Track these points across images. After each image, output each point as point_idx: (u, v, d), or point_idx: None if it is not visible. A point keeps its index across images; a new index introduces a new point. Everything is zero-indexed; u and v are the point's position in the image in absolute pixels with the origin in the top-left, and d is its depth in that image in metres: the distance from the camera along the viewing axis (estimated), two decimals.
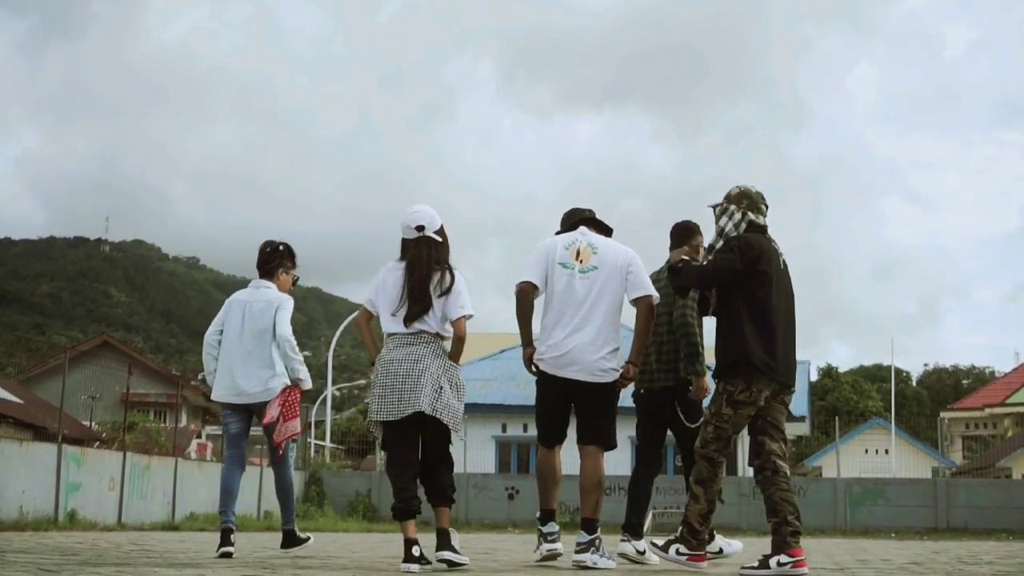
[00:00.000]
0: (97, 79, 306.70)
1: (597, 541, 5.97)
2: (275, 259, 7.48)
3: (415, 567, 5.47)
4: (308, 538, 7.45)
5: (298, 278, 7.62)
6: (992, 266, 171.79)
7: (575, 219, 6.42)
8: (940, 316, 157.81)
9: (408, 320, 5.79)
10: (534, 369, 6.16)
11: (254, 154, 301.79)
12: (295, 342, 7.23)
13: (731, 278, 5.72)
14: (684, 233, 6.82)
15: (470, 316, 5.86)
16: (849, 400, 61.30)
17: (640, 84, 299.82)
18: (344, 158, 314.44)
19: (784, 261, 5.86)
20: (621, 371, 6.08)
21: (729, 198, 5.88)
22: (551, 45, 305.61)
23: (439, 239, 5.93)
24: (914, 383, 77.06)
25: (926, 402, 66.66)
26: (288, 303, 7.33)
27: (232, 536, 6.97)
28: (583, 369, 6.00)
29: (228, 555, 6.69)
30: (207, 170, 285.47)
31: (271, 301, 7.29)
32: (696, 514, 5.72)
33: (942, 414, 46.81)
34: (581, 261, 6.13)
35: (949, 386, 74.43)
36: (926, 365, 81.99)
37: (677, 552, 5.76)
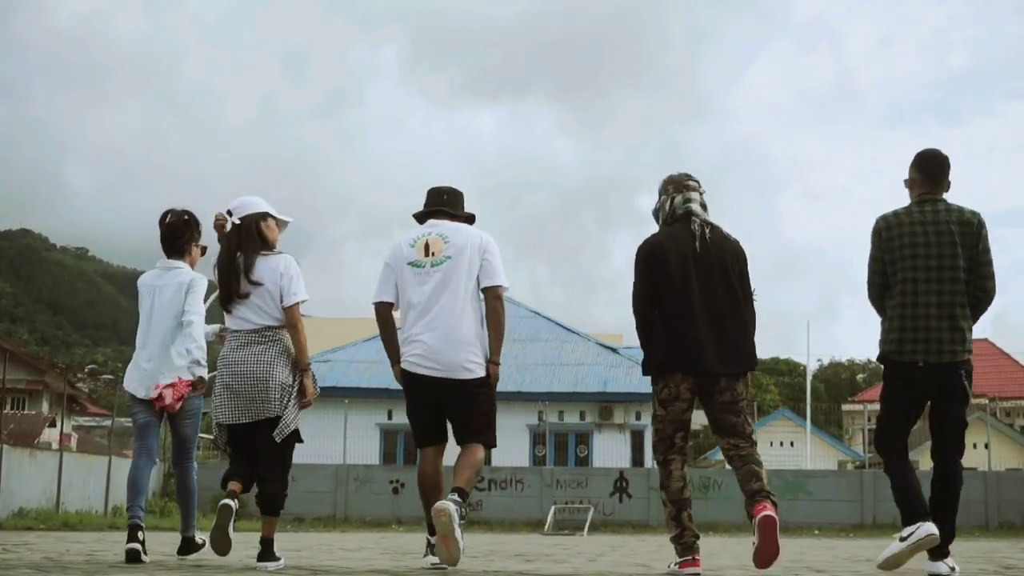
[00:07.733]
0: None
1: (464, 510, 5.46)
2: (186, 232, 6.67)
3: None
4: (203, 542, 6.89)
5: (206, 247, 6.84)
6: None
7: (428, 207, 6.10)
8: (837, 312, 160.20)
9: (223, 303, 5.81)
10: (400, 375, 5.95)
11: (153, 140, 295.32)
12: (202, 333, 6.49)
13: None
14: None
15: (303, 301, 5.84)
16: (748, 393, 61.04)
17: (546, 74, 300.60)
18: (247, 144, 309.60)
19: (706, 240, 5.58)
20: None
21: (660, 192, 5.82)
22: (456, 33, 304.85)
23: (251, 224, 5.86)
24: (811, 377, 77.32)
25: (823, 396, 66.88)
26: (200, 283, 6.59)
27: (140, 533, 6.29)
28: (448, 366, 5.69)
29: (135, 553, 6.16)
30: (102, 156, 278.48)
31: (181, 284, 6.54)
32: (666, 518, 5.53)
33: (844, 406, 46.14)
34: (433, 254, 5.84)
35: (845, 380, 74.92)
36: (819, 360, 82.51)
37: None
